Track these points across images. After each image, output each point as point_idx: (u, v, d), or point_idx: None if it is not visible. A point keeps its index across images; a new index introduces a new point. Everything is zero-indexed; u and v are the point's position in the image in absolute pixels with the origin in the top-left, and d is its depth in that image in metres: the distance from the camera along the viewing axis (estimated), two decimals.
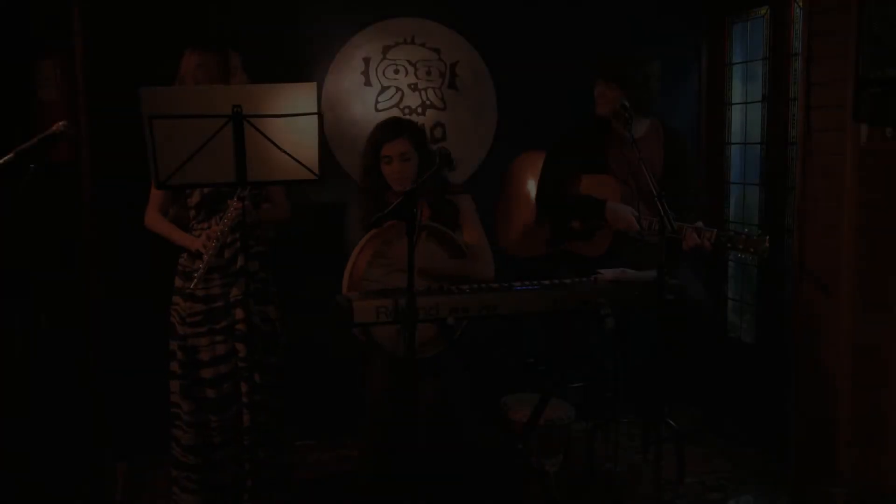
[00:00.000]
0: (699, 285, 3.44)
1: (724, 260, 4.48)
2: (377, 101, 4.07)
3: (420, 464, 2.76)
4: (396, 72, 4.08)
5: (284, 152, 2.62)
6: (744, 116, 4.34)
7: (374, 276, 2.90)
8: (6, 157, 2.48)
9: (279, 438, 3.14)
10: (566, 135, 3.66)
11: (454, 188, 3.31)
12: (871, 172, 3.01)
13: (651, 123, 3.59)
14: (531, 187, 3.75)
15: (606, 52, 3.60)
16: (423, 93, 4.12)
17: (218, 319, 3.00)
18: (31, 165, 2.46)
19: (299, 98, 2.60)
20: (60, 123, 2.68)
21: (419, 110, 4.12)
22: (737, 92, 4.39)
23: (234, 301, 2.99)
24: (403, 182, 3.08)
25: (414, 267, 2.54)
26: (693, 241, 3.11)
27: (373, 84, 4.06)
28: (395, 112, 4.08)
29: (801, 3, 3.70)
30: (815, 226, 3.17)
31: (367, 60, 4.04)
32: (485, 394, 3.39)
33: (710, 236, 3.07)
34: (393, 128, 3.18)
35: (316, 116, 2.62)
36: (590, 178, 3.57)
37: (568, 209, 3.56)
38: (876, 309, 3.07)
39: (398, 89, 4.09)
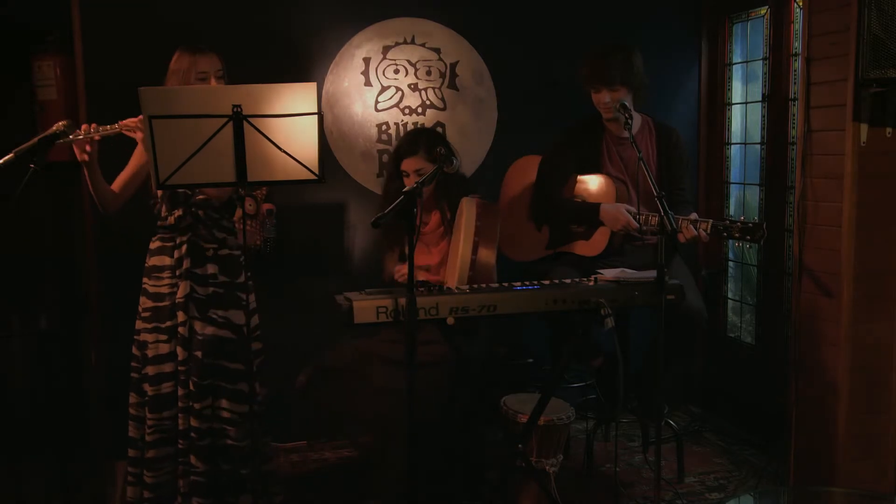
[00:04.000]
0: (697, 294, 3.44)
1: (723, 261, 4.49)
2: (377, 101, 4.07)
3: (420, 463, 2.76)
4: (396, 72, 4.08)
5: (284, 152, 2.62)
6: (744, 116, 4.34)
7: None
8: (6, 158, 2.48)
9: (255, 447, 3.07)
10: (561, 138, 3.66)
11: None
12: (871, 172, 3.01)
13: (643, 120, 3.61)
14: (529, 191, 3.75)
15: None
16: (423, 93, 4.12)
17: (163, 319, 2.97)
18: (31, 165, 2.46)
19: (299, 98, 2.60)
20: (60, 123, 2.68)
21: (419, 110, 4.12)
22: (737, 92, 4.39)
23: (177, 302, 2.96)
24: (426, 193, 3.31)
25: (414, 266, 2.55)
26: (690, 233, 3.12)
27: (373, 84, 4.06)
28: (395, 112, 4.08)
29: (801, 3, 3.70)
30: (815, 226, 3.17)
31: (367, 60, 4.04)
32: (485, 394, 3.39)
33: (705, 226, 3.10)
34: (411, 144, 3.39)
35: (316, 116, 2.62)
36: (585, 178, 3.58)
37: (564, 215, 3.57)
38: (876, 309, 3.07)
39: (398, 89, 4.09)
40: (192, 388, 2.93)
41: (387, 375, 3.08)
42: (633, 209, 3.36)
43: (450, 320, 2.71)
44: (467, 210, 3.06)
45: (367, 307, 2.64)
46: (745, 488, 3.54)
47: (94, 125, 2.81)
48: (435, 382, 3.02)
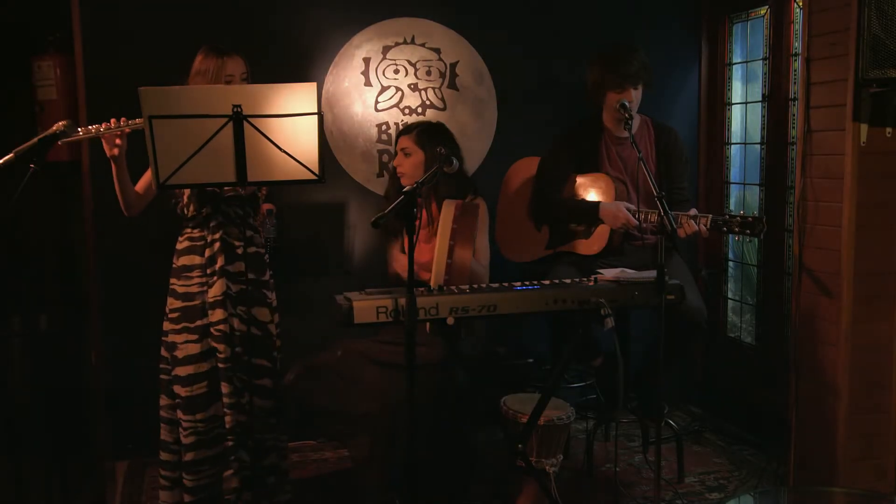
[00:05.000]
0: (696, 292, 3.45)
1: (723, 261, 4.49)
2: (377, 101, 4.07)
3: (420, 463, 2.76)
4: (396, 72, 4.08)
5: (284, 152, 2.62)
6: (744, 116, 4.34)
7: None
8: (6, 158, 2.48)
9: (277, 442, 3.11)
10: (560, 138, 3.67)
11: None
12: (871, 172, 3.01)
13: (641, 120, 3.62)
14: (528, 192, 3.76)
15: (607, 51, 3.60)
16: (423, 93, 4.12)
17: (193, 318, 2.96)
18: (31, 165, 2.46)
19: (299, 98, 2.60)
20: (61, 123, 2.68)
21: (419, 110, 4.12)
22: (737, 92, 4.39)
23: (212, 301, 2.95)
24: (404, 176, 3.35)
25: (414, 265, 2.55)
26: (690, 228, 3.14)
27: (373, 84, 4.06)
28: (395, 112, 4.08)
29: (801, 3, 3.70)
30: (815, 226, 3.17)
31: (367, 60, 4.04)
32: (485, 394, 3.39)
33: (705, 221, 3.12)
34: (409, 124, 3.48)
35: (316, 116, 2.62)
36: (584, 177, 3.59)
37: (563, 214, 3.59)
38: (875, 309, 3.07)
39: (398, 89, 4.09)
40: (237, 383, 2.93)
41: (375, 376, 3.09)
42: (633, 206, 3.38)
43: (450, 320, 2.71)
44: (444, 213, 3.08)
45: (367, 307, 2.64)
46: (745, 488, 3.54)
47: (123, 119, 2.80)
48: (422, 385, 3.03)
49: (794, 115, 3.87)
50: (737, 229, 3.04)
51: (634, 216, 3.34)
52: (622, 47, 3.46)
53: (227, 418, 2.94)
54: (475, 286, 2.90)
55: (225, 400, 2.94)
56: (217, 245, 2.97)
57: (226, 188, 2.96)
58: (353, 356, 3.18)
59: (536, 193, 3.68)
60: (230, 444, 2.95)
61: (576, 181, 3.59)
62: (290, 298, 3.83)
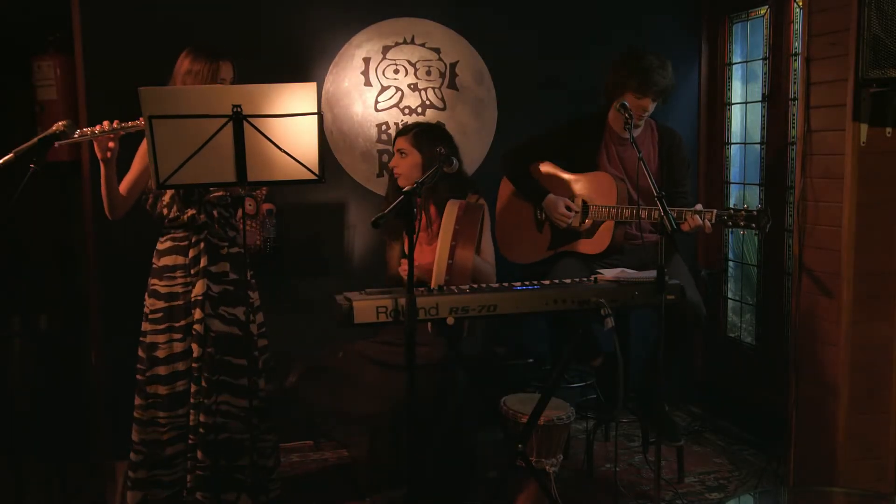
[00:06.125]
0: (694, 289, 3.45)
1: (723, 261, 4.49)
2: (377, 101, 4.07)
3: (420, 463, 2.76)
4: (396, 72, 4.08)
5: (284, 152, 2.62)
6: (744, 116, 4.34)
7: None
8: (6, 158, 2.48)
9: (259, 442, 3.10)
10: (555, 130, 3.70)
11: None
12: (871, 172, 3.01)
13: (646, 122, 3.62)
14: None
15: (612, 52, 3.60)
16: (423, 93, 4.12)
17: (178, 318, 2.97)
18: (31, 165, 2.46)
19: (299, 98, 2.60)
20: (60, 123, 2.68)
21: (419, 110, 4.12)
22: (737, 92, 4.39)
23: (193, 301, 2.96)
24: (401, 176, 3.37)
25: (414, 265, 2.55)
26: (695, 222, 3.16)
27: (373, 84, 4.06)
28: (395, 112, 4.08)
29: (801, 3, 3.70)
30: (815, 226, 3.17)
31: (367, 60, 4.04)
32: (485, 394, 3.39)
33: (710, 216, 3.13)
34: (407, 125, 3.52)
35: (316, 116, 2.62)
36: (585, 175, 3.59)
37: (516, 179, 3.74)
38: (875, 308, 3.07)
39: (398, 89, 4.09)
40: (203, 384, 2.94)
41: (376, 377, 3.09)
42: (574, 206, 3.53)
43: (450, 320, 2.71)
44: (448, 213, 3.08)
45: (367, 307, 2.64)
46: (745, 488, 3.54)
47: (116, 122, 2.79)
48: (423, 385, 3.03)
49: (794, 115, 3.87)
50: (742, 223, 3.05)
51: (571, 214, 3.51)
52: (659, 59, 3.45)
53: (191, 417, 2.96)
54: (475, 286, 2.90)
55: (192, 399, 2.96)
56: (202, 245, 2.98)
57: (211, 189, 2.96)
58: (354, 357, 3.18)
59: (512, 155, 3.76)
60: (191, 441, 2.97)
61: (576, 178, 3.61)
62: (290, 298, 3.84)
